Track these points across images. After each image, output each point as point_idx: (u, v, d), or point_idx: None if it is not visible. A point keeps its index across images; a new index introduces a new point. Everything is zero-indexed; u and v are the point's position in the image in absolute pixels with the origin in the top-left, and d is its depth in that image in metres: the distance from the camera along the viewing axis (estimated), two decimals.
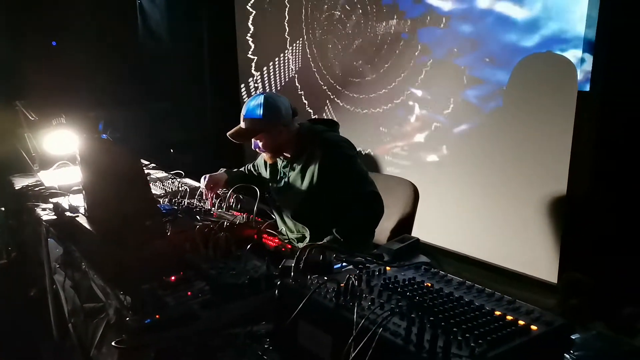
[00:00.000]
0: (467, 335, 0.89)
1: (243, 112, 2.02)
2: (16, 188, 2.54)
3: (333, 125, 2.14)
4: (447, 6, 3.02)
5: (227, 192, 1.96)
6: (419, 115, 3.31)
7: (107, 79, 4.40)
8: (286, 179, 2.10)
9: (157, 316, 1.12)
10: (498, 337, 0.91)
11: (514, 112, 2.79)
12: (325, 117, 3.84)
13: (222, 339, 1.11)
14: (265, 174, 2.24)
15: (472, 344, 0.87)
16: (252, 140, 2.04)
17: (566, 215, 2.60)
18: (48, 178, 2.54)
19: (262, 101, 1.97)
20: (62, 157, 2.75)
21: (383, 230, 2.20)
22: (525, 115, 2.73)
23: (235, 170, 2.36)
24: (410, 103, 3.35)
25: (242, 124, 2.02)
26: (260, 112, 1.96)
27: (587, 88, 2.44)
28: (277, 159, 2.13)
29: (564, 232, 2.61)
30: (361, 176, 1.99)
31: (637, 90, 2.22)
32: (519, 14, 2.70)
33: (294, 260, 1.12)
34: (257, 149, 2.07)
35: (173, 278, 1.40)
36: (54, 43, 4.50)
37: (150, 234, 1.48)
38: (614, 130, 2.36)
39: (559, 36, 2.54)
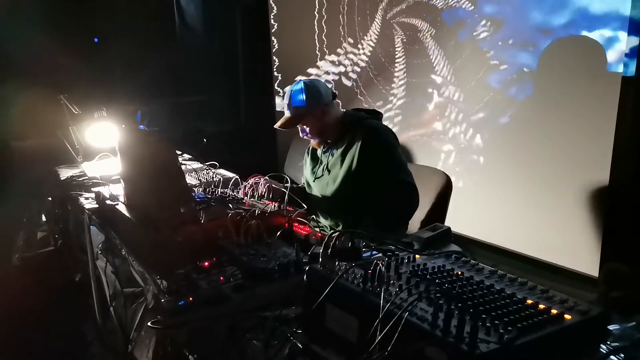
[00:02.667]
0: (496, 321, 0.88)
1: (286, 100, 2.10)
2: (61, 178, 2.66)
3: (377, 114, 2.18)
4: None
5: (259, 181, 1.99)
6: (451, 103, 3.24)
7: (145, 73, 4.54)
8: (326, 164, 2.15)
9: (190, 298, 1.16)
10: (529, 325, 0.89)
11: (552, 98, 2.70)
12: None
13: (252, 321, 1.14)
14: (308, 170, 2.29)
15: (500, 331, 0.86)
16: (299, 127, 2.11)
17: (608, 206, 2.50)
18: (91, 169, 2.64)
19: (302, 86, 2.05)
20: (103, 148, 2.86)
21: (414, 221, 2.18)
22: (565, 101, 2.64)
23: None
24: (433, 90, 3.29)
25: (287, 113, 2.10)
26: (302, 97, 2.04)
27: (632, 72, 2.32)
28: (321, 145, 2.19)
29: (606, 223, 2.51)
30: (400, 166, 2.01)
31: None
32: None
33: (322, 246, 1.13)
34: (305, 136, 2.14)
35: (206, 263, 1.44)
36: (95, 40, 4.67)
37: (184, 220, 1.53)
38: None
39: (599, 16, 2.43)
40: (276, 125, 2.12)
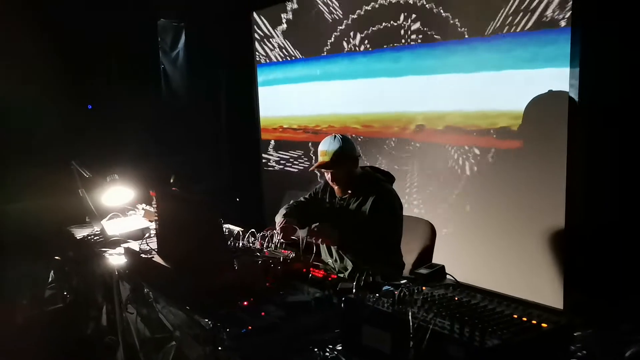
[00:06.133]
0: (494, 327, 1.21)
1: (325, 148, 2.38)
2: (77, 237, 2.86)
3: (390, 178, 2.53)
4: None
5: (274, 231, 2.29)
6: (432, 162, 3.69)
7: (133, 136, 4.82)
8: (340, 213, 2.44)
9: (249, 327, 1.43)
10: (517, 330, 1.22)
11: (515, 156, 3.16)
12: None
13: (299, 344, 1.41)
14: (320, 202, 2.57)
15: (499, 333, 1.18)
16: (328, 173, 2.39)
17: (566, 245, 2.92)
18: (105, 227, 2.86)
19: (342, 139, 2.38)
20: (113, 208, 3.10)
21: (406, 265, 2.52)
22: (522, 158, 3.11)
23: (292, 208, 2.56)
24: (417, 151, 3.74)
25: (323, 157, 2.37)
26: (342, 147, 2.35)
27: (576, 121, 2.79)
28: (343, 193, 2.46)
29: (566, 261, 2.93)
30: (392, 233, 2.36)
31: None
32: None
33: (355, 282, 1.44)
34: (334, 183, 2.42)
35: (245, 303, 1.71)
36: (89, 107, 4.96)
37: (224, 267, 1.80)
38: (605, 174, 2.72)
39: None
40: (312, 168, 2.40)
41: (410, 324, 1.22)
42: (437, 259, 2.60)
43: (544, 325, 1.29)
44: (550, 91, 2.93)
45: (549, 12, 2.87)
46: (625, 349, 1.23)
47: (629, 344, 1.24)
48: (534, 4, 2.93)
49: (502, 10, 3.08)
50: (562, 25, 2.82)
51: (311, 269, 2.02)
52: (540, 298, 3.06)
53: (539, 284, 3.07)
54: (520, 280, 3.17)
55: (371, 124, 4.12)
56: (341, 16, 4.21)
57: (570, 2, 2.76)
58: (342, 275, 2.17)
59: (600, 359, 1.29)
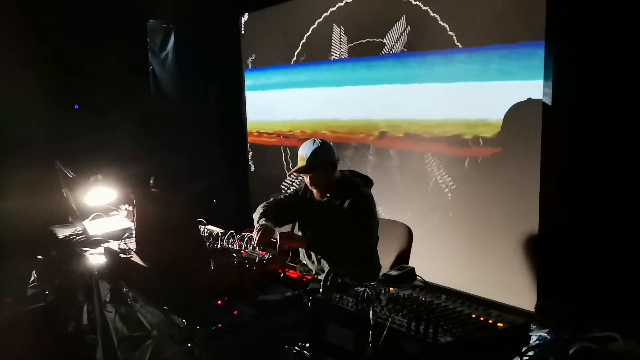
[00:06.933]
0: (450, 326, 1.27)
1: (304, 152, 2.43)
2: (60, 237, 2.89)
3: (369, 182, 2.58)
4: None
5: (252, 234, 2.34)
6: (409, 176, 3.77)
7: (122, 138, 4.83)
8: (318, 216, 2.50)
9: (219, 325, 1.48)
10: (473, 328, 1.29)
11: (490, 162, 3.24)
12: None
13: (269, 342, 1.47)
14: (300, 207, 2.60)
15: (453, 331, 1.25)
16: (307, 177, 2.44)
17: (540, 251, 2.99)
18: (88, 227, 2.90)
19: (320, 144, 2.43)
20: (97, 208, 3.13)
21: (384, 266, 2.58)
22: (498, 165, 3.19)
23: (270, 207, 2.59)
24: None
25: (302, 162, 2.42)
26: (319, 151, 2.40)
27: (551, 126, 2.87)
28: (322, 196, 2.51)
29: (539, 265, 3.01)
30: (370, 232, 2.43)
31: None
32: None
33: (322, 281, 1.50)
34: (312, 186, 2.47)
35: (219, 302, 1.76)
36: (76, 107, 4.97)
37: (199, 267, 1.85)
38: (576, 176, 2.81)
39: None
40: (290, 172, 2.46)
41: (370, 322, 1.28)
42: (414, 262, 2.66)
43: (499, 324, 1.36)
44: (525, 100, 3.01)
45: (522, 26, 2.96)
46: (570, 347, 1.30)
47: (576, 342, 1.31)
48: (507, 17, 3.02)
49: (477, 24, 3.17)
50: (535, 40, 2.90)
51: (286, 269, 2.08)
52: (514, 301, 3.14)
53: (513, 287, 3.14)
54: (494, 283, 3.25)
55: (350, 130, 4.20)
56: (319, 25, 4.29)
57: (544, 16, 2.85)
58: (318, 276, 2.22)
59: (549, 357, 1.36)
